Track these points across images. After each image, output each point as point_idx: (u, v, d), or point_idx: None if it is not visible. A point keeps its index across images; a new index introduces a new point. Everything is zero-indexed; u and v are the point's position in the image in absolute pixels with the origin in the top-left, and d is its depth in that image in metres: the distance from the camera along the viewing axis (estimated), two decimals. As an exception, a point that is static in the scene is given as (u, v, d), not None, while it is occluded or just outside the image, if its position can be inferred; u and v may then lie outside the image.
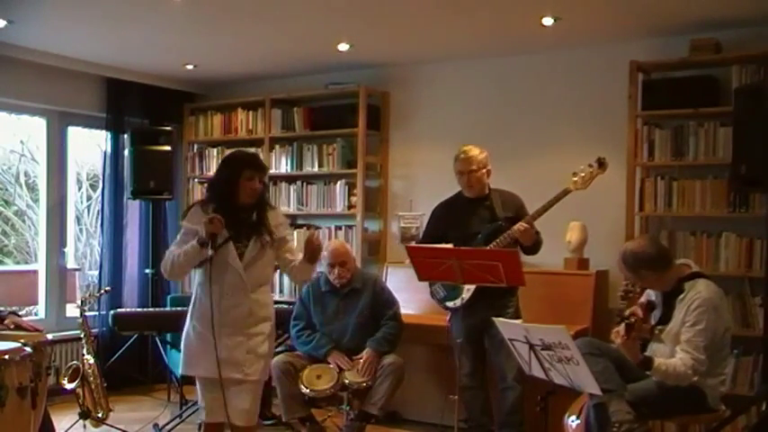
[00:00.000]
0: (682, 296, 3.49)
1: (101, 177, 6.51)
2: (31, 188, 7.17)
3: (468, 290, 4.23)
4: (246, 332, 3.45)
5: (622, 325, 3.28)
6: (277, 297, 6.05)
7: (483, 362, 4.41)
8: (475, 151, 4.36)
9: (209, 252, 3.33)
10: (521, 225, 4.15)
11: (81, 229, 7.50)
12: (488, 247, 4.17)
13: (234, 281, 3.44)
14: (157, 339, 5.75)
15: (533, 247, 4.28)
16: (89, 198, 7.66)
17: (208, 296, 3.39)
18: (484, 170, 4.37)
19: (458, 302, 4.31)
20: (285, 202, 6.19)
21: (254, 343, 3.47)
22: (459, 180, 4.41)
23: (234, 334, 3.44)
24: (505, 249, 4.08)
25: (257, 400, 3.53)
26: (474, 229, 4.34)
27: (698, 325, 3.38)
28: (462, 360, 4.36)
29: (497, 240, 4.21)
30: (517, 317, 4.24)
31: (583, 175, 4.19)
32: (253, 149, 6.40)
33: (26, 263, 7.08)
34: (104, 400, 4.74)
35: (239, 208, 3.49)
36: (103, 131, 6.31)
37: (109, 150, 6.31)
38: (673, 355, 3.41)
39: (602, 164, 4.20)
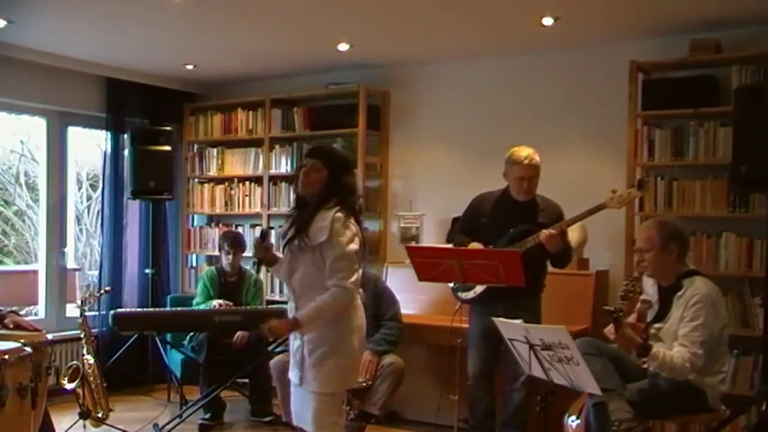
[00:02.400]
0: (680, 293, 3.50)
1: (101, 177, 6.51)
2: (31, 188, 7.17)
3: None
4: (301, 338, 3.28)
5: (611, 324, 3.32)
6: (277, 297, 6.06)
7: (495, 365, 4.37)
8: (537, 156, 4.19)
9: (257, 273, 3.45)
10: (548, 230, 4.05)
11: (81, 229, 7.50)
12: (510, 249, 4.08)
13: (287, 285, 3.38)
14: (157, 339, 5.75)
15: (560, 258, 4.22)
16: (89, 198, 7.66)
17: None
18: (539, 175, 4.25)
19: (469, 294, 4.29)
20: (285, 202, 6.19)
21: (308, 350, 3.26)
22: (517, 185, 4.22)
23: (293, 338, 3.35)
24: (506, 250, 4.06)
25: (325, 412, 3.24)
26: (508, 226, 4.23)
27: (696, 320, 3.39)
28: (475, 359, 4.34)
29: (519, 243, 4.12)
30: (536, 320, 4.16)
31: (621, 194, 4.07)
32: (253, 150, 6.43)
33: (26, 263, 7.08)
34: (104, 400, 4.74)
35: (300, 211, 3.34)
36: (103, 131, 6.31)
37: (109, 150, 6.31)
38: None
39: (641, 185, 4.18)
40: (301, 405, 3.35)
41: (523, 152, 4.21)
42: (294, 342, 3.35)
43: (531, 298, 4.23)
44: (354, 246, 3.19)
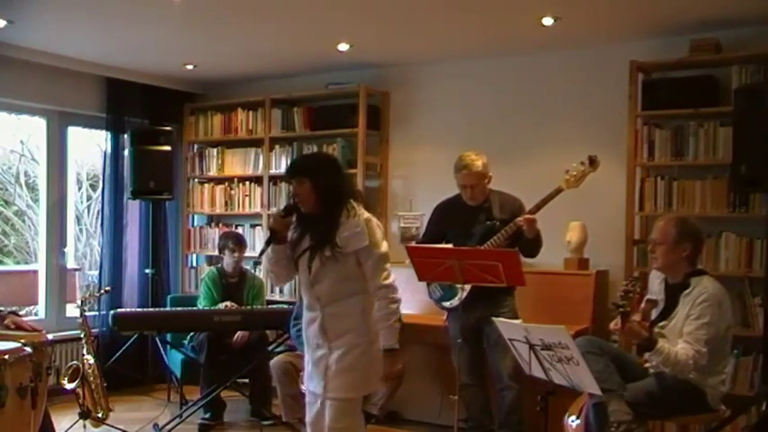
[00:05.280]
0: (687, 291, 3.51)
1: (101, 177, 6.51)
2: (31, 188, 7.18)
3: (464, 290, 4.21)
4: (328, 346, 3.26)
5: (617, 318, 3.34)
6: (277, 297, 6.06)
7: (481, 361, 4.41)
8: (477, 164, 4.26)
9: (263, 247, 3.27)
10: (525, 216, 4.12)
11: (81, 229, 7.51)
12: (485, 246, 4.17)
13: (308, 294, 3.33)
14: (157, 339, 5.75)
15: (535, 244, 4.26)
16: (89, 198, 7.66)
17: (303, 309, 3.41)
18: (485, 180, 4.33)
19: (455, 302, 4.30)
20: (285, 202, 6.18)
21: (334, 358, 3.24)
22: (462, 192, 4.38)
23: (316, 348, 3.31)
24: (505, 249, 4.08)
25: (349, 417, 3.30)
26: (472, 229, 4.34)
27: (702, 318, 3.40)
28: (460, 359, 4.35)
29: (494, 238, 4.21)
30: (514, 317, 4.23)
31: (575, 173, 4.20)
32: (253, 150, 6.43)
33: (26, 263, 7.09)
34: (104, 400, 4.74)
35: (310, 218, 3.26)
36: (103, 131, 6.31)
37: (109, 150, 6.31)
38: None
39: (593, 162, 4.20)
40: (328, 415, 3.27)
41: (463, 161, 4.29)
42: (315, 352, 3.30)
43: (507, 295, 4.26)
44: (386, 247, 3.30)
